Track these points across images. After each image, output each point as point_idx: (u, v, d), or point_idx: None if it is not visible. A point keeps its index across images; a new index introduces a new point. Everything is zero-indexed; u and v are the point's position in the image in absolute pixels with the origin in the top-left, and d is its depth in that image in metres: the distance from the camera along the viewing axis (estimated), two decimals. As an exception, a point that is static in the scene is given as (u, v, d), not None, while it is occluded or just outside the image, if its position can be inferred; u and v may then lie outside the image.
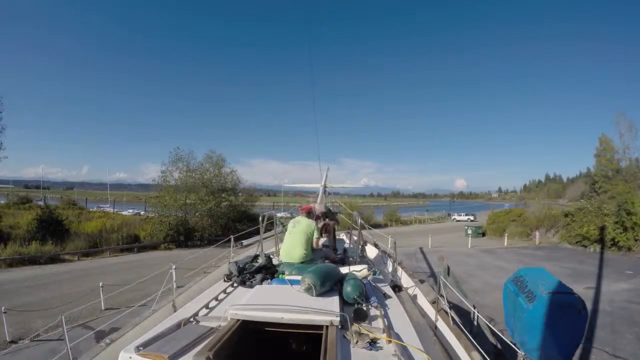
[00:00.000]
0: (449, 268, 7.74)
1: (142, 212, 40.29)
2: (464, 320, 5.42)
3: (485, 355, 2.56)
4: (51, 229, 19.22)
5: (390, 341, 2.11)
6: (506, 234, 25.45)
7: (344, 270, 3.53)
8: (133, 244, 21.49)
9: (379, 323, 2.43)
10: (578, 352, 4.74)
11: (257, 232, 6.05)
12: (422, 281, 5.60)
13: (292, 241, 4.16)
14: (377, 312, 2.65)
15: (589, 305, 3.91)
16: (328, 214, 6.83)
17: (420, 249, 20.60)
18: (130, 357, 1.90)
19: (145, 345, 1.98)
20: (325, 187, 9.55)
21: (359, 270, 3.63)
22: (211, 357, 1.82)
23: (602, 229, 19.18)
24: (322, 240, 6.60)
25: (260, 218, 5.86)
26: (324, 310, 2.35)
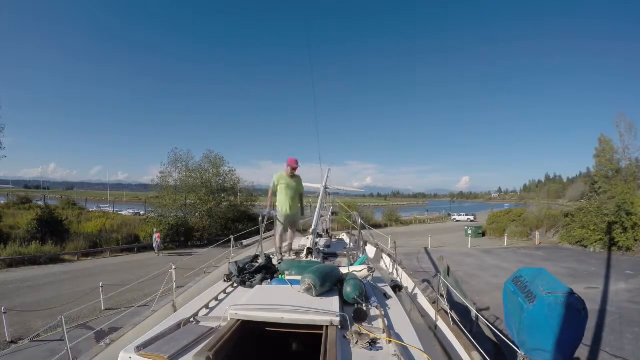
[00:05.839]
0: (449, 268, 7.73)
1: (142, 213, 40.30)
2: (464, 320, 5.43)
3: (485, 355, 2.56)
4: (51, 229, 19.19)
5: (390, 341, 2.10)
6: (506, 234, 25.46)
7: (344, 270, 3.53)
8: (133, 244, 21.48)
9: (379, 323, 2.43)
10: (578, 352, 4.73)
11: (257, 232, 6.04)
12: (422, 281, 5.60)
13: (289, 198, 5.28)
14: (377, 312, 2.64)
15: (589, 306, 3.91)
16: None
17: (425, 249, 20.65)
18: (130, 357, 1.89)
19: (145, 345, 1.97)
20: (326, 187, 9.54)
21: (359, 270, 3.62)
22: (211, 357, 1.82)
23: (602, 229, 19.18)
24: (324, 240, 6.59)
25: (260, 218, 5.85)
26: (324, 311, 2.34)
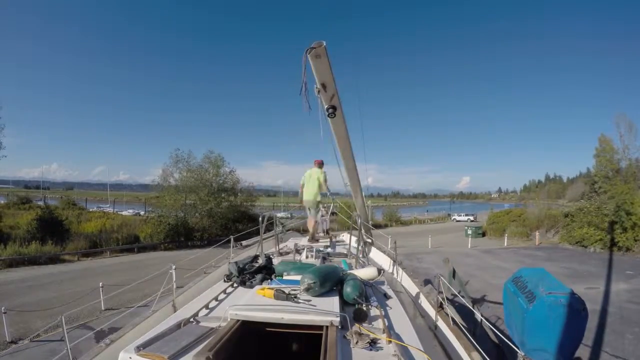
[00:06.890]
0: (454, 270, 7.74)
1: (142, 213, 40.29)
2: (464, 320, 5.41)
3: (485, 355, 2.55)
4: (51, 229, 19.20)
5: (390, 341, 2.10)
6: (506, 234, 25.46)
7: (355, 272, 3.52)
8: (133, 244, 21.48)
9: (379, 323, 2.43)
10: (578, 352, 4.73)
11: (257, 233, 6.04)
12: (422, 281, 5.59)
13: (310, 186, 6.48)
14: (377, 313, 2.64)
15: (589, 306, 3.90)
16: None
17: (426, 249, 20.66)
18: (130, 358, 1.89)
19: (145, 345, 1.97)
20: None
21: (367, 272, 3.60)
22: (211, 357, 1.82)
23: (602, 229, 19.18)
24: (324, 242, 6.62)
25: (260, 218, 5.85)
26: (324, 311, 2.34)
